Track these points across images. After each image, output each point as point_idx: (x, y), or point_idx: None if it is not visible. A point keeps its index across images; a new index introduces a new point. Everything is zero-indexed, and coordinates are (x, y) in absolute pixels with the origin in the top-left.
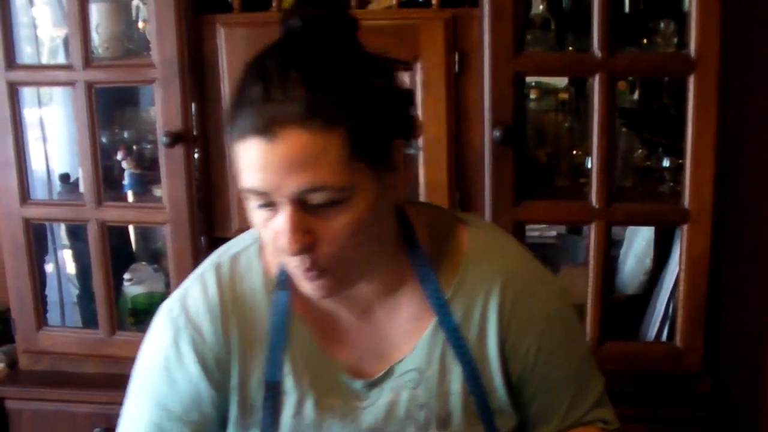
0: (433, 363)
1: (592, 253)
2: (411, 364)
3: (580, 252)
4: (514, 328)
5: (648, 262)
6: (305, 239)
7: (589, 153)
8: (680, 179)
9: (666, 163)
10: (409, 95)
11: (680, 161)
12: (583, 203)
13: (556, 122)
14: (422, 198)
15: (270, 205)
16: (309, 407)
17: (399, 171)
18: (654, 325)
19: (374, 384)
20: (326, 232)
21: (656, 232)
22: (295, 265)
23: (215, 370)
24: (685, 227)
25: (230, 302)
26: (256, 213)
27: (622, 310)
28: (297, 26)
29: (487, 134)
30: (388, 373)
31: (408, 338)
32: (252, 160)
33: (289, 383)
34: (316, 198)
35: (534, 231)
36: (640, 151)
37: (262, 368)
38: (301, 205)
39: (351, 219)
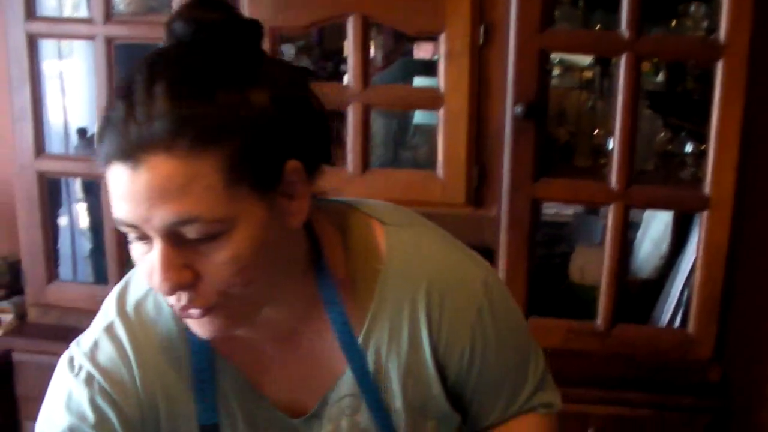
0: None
1: (608, 234)
2: (344, 389)
3: (595, 232)
4: (444, 334)
5: (665, 247)
6: (181, 277)
7: (610, 133)
8: (702, 165)
9: (689, 148)
10: (316, 111)
11: (703, 147)
12: (602, 184)
13: (578, 101)
14: (440, 170)
15: (144, 237)
16: None
17: (296, 197)
18: (667, 311)
19: (312, 417)
20: (207, 269)
21: (674, 217)
22: (172, 304)
23: (141, 429)
24: (705, 214)
25: (147, 353)
26: (133, 246)
27: (636, 294)
28: (183, 33)
29: (509, 109)
30: (324, 403)
31: (337, 362)
32: (118, 190)
33: (224, 426)
34: (190, 231)
35: (550, 209)
36: (663, 134)
37: (194, 415)
38: (176, 238)
39: (233, 254)
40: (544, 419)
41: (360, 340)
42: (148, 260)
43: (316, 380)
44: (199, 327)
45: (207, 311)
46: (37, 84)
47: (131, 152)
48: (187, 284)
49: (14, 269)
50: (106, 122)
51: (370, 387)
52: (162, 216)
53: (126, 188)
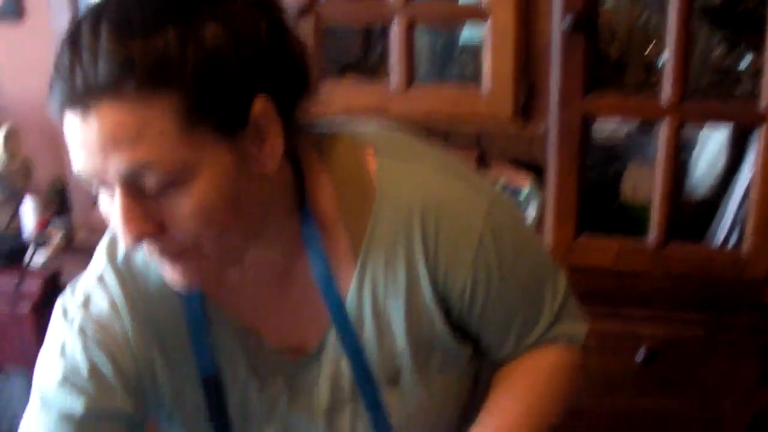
0: (366, 323)
1: (661, 150)
2: None
3: (648, 151)
4: (443, 265)
5: (720, 166)
6: (143, 227)
7: (663, 49)
8: (759, 81)
9: (745, 64)
10: (289, 45)
11: (760, 62)
12: (654, 99)
13: (630, 16)
14: (486, 85)
15: (108, 188)
16: (254, 395)
17: (267, 137)
18: (722, 230)
19: (313, 358)
20: (172, 221)
21: (731, 135)
22: (149, 253)
23: (137, 381)
24: (762, 130)
25: (140, 305)
26: (100, 197)
27: (690, 215)
28: None
29: (557, 21)
30: (322, 344)
31: None
32: (72, 140)
33: (225, 375)
34: (149, 180)
35: (603, 128)
36: (719, 50)
37: (193, 366)
38: (136, 189)
39: (198, 204)
40: (564, 352)
41: (354, 279)
42: (112, 211)
43: (314, 322)
44: (174, 277)
45: (178, 257)
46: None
47: (79, 101)
48: (150, 235)
49: (62, 192)
50: (55, 70)
51: (349, 333)
52: (116, 165)
53: (79, 138)
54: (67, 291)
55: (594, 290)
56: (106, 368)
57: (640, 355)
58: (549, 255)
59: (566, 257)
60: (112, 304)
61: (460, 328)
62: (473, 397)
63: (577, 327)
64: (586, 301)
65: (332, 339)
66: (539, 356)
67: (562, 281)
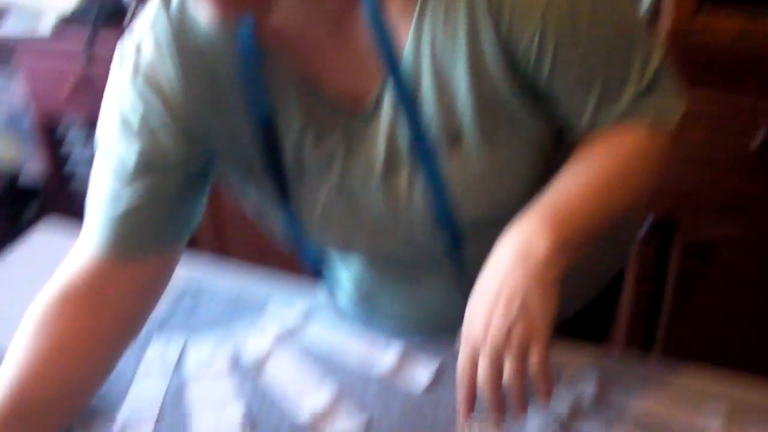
0: (424, 78)
1: None
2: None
3: None
4: (507, 14)
5: None
6: None
7: None
8: None
9: None
10: None
11: None
12: None
13: None
14: None
15: None
16: (309, 148)
17: None
18: None
19: (369, 115)
20: None
21: None
22: None
23: (187, 128)
24: None
25: (190, 51)
26: None
27: None
28: None
29: None
30: (380, 99)
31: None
32: None
33: (281, 123)
34: None
35: None
36: None
37: (247, 115)
38: None
39: None
40: (651, 135)
41: (411, 29)
42: None
43: (371, 75)
44: (208, 6)
45: None
46: None
47: None
48: None
49: None
50: None
51: (405, 88)
52: None
53: None
54: (126, 36)
55: (713, 70)
56: (156, 116)
57: (757, 140)
58: (641, 22)
59: (685, 34)
60: (160, 51)
61: (529, 90)
62: (544, 180)
63: (672, 104)
64: (704, 82)
65: (388, 94)
66: (621, 135)
67: (657, 52)
